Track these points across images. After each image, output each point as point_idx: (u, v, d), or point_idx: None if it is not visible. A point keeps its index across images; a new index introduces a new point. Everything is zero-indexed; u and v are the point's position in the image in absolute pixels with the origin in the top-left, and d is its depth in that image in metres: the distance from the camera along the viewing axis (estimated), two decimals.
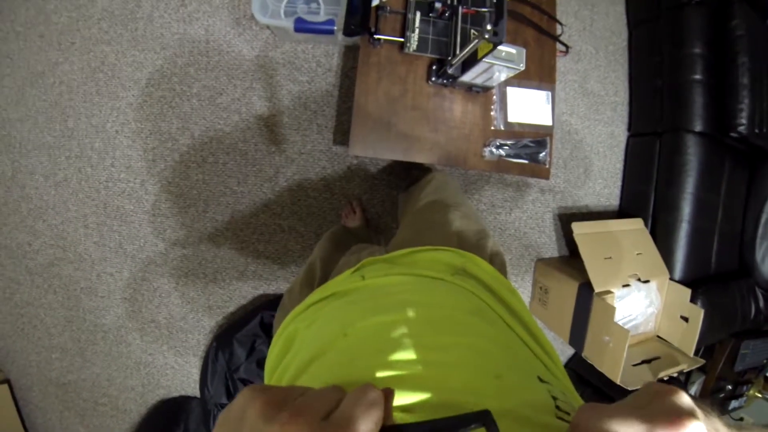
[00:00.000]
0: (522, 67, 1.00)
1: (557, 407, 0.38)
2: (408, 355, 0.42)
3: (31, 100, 1.66)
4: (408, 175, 1.79)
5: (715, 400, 2.09)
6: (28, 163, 1.68)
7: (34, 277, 1.74)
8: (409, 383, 0.38)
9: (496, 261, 0.78)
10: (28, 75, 1.65)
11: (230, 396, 1.62)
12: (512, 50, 0.98)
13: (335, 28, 1.40)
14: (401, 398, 0.36)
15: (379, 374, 0.40)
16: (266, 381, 0.60)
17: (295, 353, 0.54)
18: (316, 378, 0.44)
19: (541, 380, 0.42)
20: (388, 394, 0.30)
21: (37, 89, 1.66)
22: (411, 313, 0.50)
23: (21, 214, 1.70)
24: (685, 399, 0.27)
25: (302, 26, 1.40)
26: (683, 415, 0.26)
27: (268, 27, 1.71)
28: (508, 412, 0.35)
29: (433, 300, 0.55)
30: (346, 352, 0.46)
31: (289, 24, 1.40)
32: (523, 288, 2.15)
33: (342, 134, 1.82)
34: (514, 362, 0.46)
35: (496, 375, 0.41)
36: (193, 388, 1.88)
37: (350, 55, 1.82)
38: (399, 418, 0.34)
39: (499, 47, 0.91)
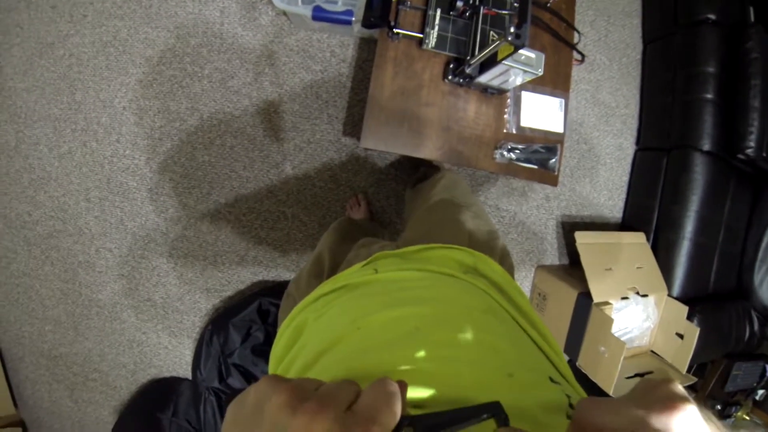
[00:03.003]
0: (540, 72, 0.99)
1: (570, 405, 0.38)
2: (420, 350, 0.42)
3: (40, 70, 1.65)
4: (416, 172, 1.78)
5: None
6: (32, 134, 1.67)
7: (32, 247, 1.73)
8: (421, 378, 0.38)
9: (506, 263, 0.78)
10: (38, 45, 1.64)
11: (222, 380, 1.62)
12: (532, 55, 0.98)
13: (353, 18, 1.39)
14: (413, 393, 0.36)
15: (392, 368, 0.40)
16: (271, 370, 0.60)
17: (304, 344, 0.54)
18: (327, 369, 0.44)
19: (552, 380, 0.43)
20: (403, 387, 0.30)
21: (46, 60, 1.65)
22: (424, 309, 0.50)
23: (22, 184, 1.69)
24: (678, 387, 0.29)
25: (320, 15, 1.39)
26: (677, 399, 0.27)
27: (284, 13, 1.70)
28: (520, 411, 0.35)
29: (446, 296, 0.55)
30: (358, 345, 0.46)
31: (307, 11, 1.39)
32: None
33: (352, 126, 1.82)
34: (525, 361, 0.46)
35: (509, 373, 0.41)
36: (185, 370, 1.88)
37: (365, 48, 1.81)
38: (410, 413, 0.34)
39: (520, 51, 0.91)
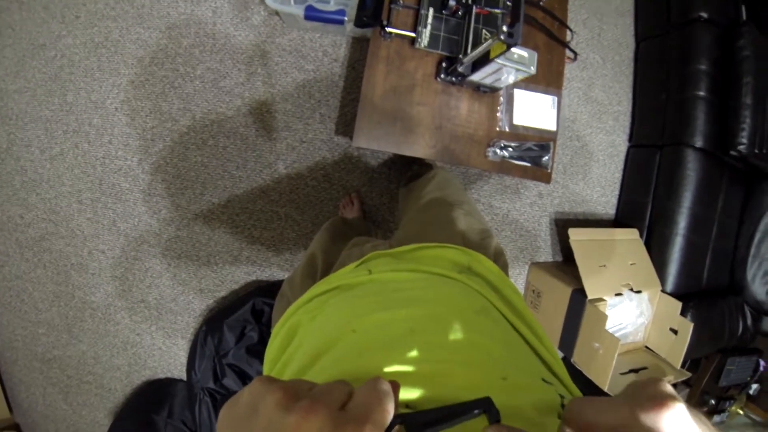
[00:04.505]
0: (533, 70, 0.99)
1: (563, 405, 0.39)
2: (415, 352, 0.42)
3: (31, 72, 1.63)
4: (408, 170, 1.78)
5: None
6: (24, 136, 1.66)
7: (24, 250, 1.72)
8: (415, 379, 0.39)
9: (500, 261, 0.78)
10: (30, 46, 1.63)
11: (217, 381, 1.61)
12: (524, 53, 0.98)
13: (346, 18, 1.39)
14: (406, 394, 0.37)
15: (386, 370, 0.40)
16: (266, 371, 0.60)
17: (299, 345, 0.54)
18: (324, 372, 0.44)
19: (545, 381, 0.43)
20: (395, 387, 0.31)
21: (37, 61, 1.63)
22: (418, 311, 0.50)
23: (14, 186, 1.68)
24: (667, 386, 0.29)
25: (313, 14, 1.39)
26: (666, 398, 0.27)
27: (277, 13, 1.70)
28: (512, 410, 0.35)
29: (440, 298, 0.55)
30: (353, 347, 0.46)
31: (299, 11, 1.39)
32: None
33: (345, 125, 1.82)
34: (518, 363, 0.46)
35: (502, 376, 0.41)
36: (179, 371, 1.87)
37: (357, 47, 1.80)
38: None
39: (512, 49, 0.91)
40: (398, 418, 0.29)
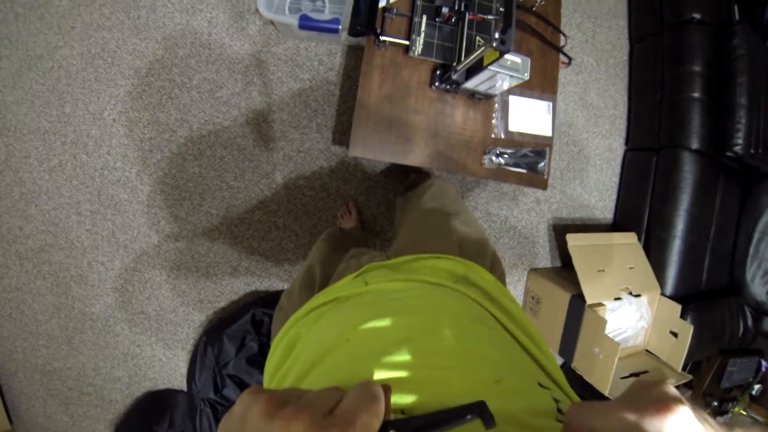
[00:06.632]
0: (526, 76, 1.00)
1: (559, 410, 0.38)
2: (409, 358, 0.42)
3: (29, 83, 1.64)
4: (406, 179, 1.78)
5: None
6: (22, 147, 1.66)
7: (23, 262, 1.72)
8: (409, 386, 0.39)
9: (497, 270, 0.78)
10: (26, 58, 1.63)
11: (217, 391, 1.61)
12: (518, 59, 0.98)
13: (340, 27, 1.39)
14: (401, 400, 0.37)
15: (380, 376, 0.40)
16: (266, 384, 0.59)
17: (296, 357, 0.54)
18: (318, 382, 0.44)
19: (541, 386, 0.43)
20: (387, 390, 0.30)
21: (34, 72, 1.64)
22: (413, 319, 0.50)
23: (13, 198, 1.68)
24: (671, 388, 0.28)
25: (307, 24, 1.39)
26: (670, 401, 0.26)
27: (271, 22, 1.71)
28: (507, 415, 0.35)
29: (434, 306, 0.55)
30: (348, 355, 0.46)
31: (293, 20, 1.40)
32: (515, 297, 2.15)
33: (341, 134, 1.82)
34: (514, 367, 0.46)
35: (497, 380, 0.41)
36: (180, 382, 1.87)
37: (352, 55, 1.81)
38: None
39: (505, 56, 0.91)
40: (389, 423, 0.28)
